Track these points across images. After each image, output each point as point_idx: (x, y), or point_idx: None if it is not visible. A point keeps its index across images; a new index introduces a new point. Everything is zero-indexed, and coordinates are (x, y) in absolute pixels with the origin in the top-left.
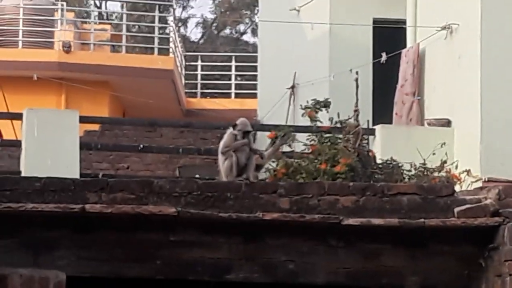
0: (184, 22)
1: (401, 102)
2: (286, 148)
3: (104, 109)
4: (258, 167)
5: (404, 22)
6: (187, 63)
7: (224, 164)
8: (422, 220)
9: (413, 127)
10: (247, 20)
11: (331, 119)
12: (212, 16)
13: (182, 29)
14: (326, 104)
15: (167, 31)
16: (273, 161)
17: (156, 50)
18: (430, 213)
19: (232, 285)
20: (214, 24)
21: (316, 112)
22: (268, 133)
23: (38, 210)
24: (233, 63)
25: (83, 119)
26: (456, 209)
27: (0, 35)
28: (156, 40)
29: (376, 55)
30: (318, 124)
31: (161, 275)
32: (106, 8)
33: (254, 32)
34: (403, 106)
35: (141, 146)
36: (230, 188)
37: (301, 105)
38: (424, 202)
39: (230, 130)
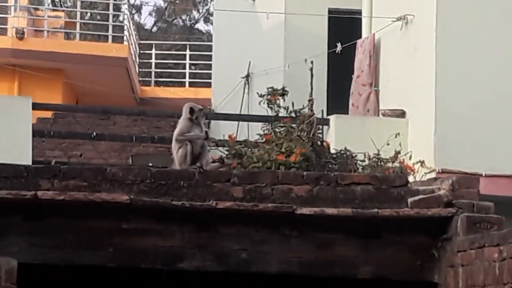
0: (138, 9)
1: (357, 93)
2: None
3: (58, 97)
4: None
5: (359, 12)
6: (141, 51)
7: (178, 152)
8: (376, 210)
9: (368, 117)
10: (199, 9)
11: (286, 108)
12: (165, 4)
13: (136, 17)
14: (283, 93)
15: (121, 18)
16: (227, 150)
17: (110, 38)
18: (383, 203)
19: (185, 274)
20: (168, 12)
21: (275, 100)
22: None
23: None
24: (187, 52)
25: (36, 106)
26: (410, 200)
27: None
28: (110, 28)
29: (331, 45)
30: (275, 112)
31: (113, 263)
32: None
33: (207, 21)
34: (359, 97)
35: (94, 133)
36: (183, 176)
37: (257, 93)
38: (378, 192)
39: (182, 118)
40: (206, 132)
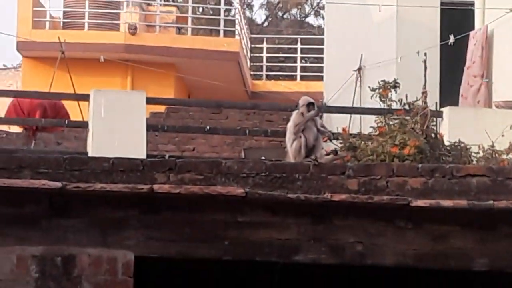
0: (249, 4)
1: (467, 84)
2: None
3: (170, 91)
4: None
5: (472, 4)
6: (252, 46)
7: (293, 146)
8: (491, 202)
9: (481, 109)
10: (311, 2)
11: (399, 101)
12: None
13: (247, 12)
14: (395, 85)
15: (232, 13)
16: (340, 142)
17: (221, 32)
18: (499, 195)
19: (299, 266)
20: (279, 6)
21: (387, 94)
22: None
23: (107, 190)
24: (299, 46)
25: (149, 101)
26: None
27: (67, 17)
28: (221, 22)
29: (443, 37)
30: (387, 105)
31: (229, 256)
32: None
33: (317, 15)
34: (469, 88)
35: (207, 127)
36: (298, 169)
37: (369, 87)
38: (494, 184)
39: (296, 111)
40: (331, 132)
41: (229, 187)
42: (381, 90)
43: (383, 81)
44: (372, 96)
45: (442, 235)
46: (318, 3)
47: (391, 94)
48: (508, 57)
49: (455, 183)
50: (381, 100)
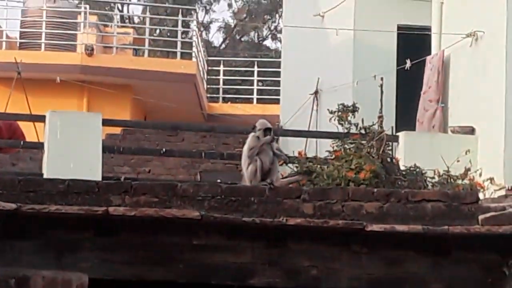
0: (206, 26)
1: (423, 109)
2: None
3: (126, 113)
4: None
5: (429, 29)
6: (209, 68)
7: (248, 169)
8: (446, 227)
9: (437, 134)
10: (268, 26)
11: (356, 125)
12: (234, 22)
13: (204, 34)
14: (354, 109)
15: (189, 35)
16: (296, 166)
17: (178, 54)
18: (454, 220)
19: None
20: (237, 29)
21: (346, 117)
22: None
23: (62, 212)
24: (255, 68)
25: (105, 122)
26: (480, 217)
27: (24, 37)
28: (179, 44)
29: (400, 61)
30: (346, 128)
31: (184, 279)
32: (128, 11)
33: (275, 38)
34: (425, 112)
35: (163, 150)
36: (254, 192)
37: (328, 109)
38: (448, 209)
39: (252, 134)
40: (287, 155)
41: (185, 210)
42: (340, 113)
43: (342, 104)
44: (330, 119)
45: (397, 260)
46: (275, 27)
47: (351, 118)
48: (464, 82)
49: (410, 208)
50: (339, 123)
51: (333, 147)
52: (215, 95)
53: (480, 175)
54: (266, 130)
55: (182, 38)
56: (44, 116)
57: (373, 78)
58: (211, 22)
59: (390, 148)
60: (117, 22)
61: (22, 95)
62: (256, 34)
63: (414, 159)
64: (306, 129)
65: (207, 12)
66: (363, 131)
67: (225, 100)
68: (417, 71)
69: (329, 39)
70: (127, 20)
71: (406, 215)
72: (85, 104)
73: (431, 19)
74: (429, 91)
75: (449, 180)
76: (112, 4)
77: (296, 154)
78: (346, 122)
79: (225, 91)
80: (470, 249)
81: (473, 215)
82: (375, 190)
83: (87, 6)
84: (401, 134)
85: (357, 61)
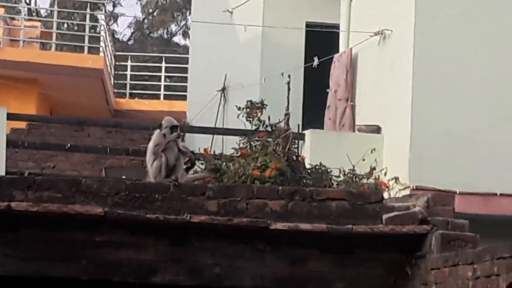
0: (115, 20)
1: (334, 107)
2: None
3: (32, 107)
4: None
5: (337, 26)
6: (117, 63)
7: (153, 165)
8: (350, 226)
9: (343, 133)
10: (177, 22)
11: (262, 122)
12: (143, 16)
13: (114, 27)
14: (262, 106)
15: (97, 30)
16: (202, 163)
17: (86, 49)
18: (358, 219)
19: None
20: (145, 24)
21: (256, 113)
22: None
23: None
24: (163, 64)
25: (10, 116)
26: (384, 216)
27: None
28: (86, 39)
29: (308, 59)
30: (255, 125)
31: (86, 276)
32: (36, 5)
33: (185, 35)
34: (335, 111)
35: (68, 145)
36: (158, 189)
37: (236, 106)
38: (353, 208)
39: (157, 131)
40: (193, 152)
41: (88, 206)
42: (248, 109)
43: (250, 101)
44: (238, 116)
45: (301, 258)
46: (185, 23)
47: (259, 115)
48: (371, 81)
49: (314, 206)
50: (247, 119)
51: (239, 145)
52: (122, 91)
53: (385, 174)
54: (173, 128)
55: (90, 32)
56: None
57: (281, 76)
58: (118, 16)
59: (296, 146)
60: (25, 15)
61: None
62: (166, 30)
63: (320, 157)
64: (213, 126)
65: (115, 6)
66: (269, 129)
67: (132, 96)
68: (325, 69)
69: (238, 35)
70: (34, 14)
71: (310, 213)
72: None
73: (339, 16)
74: (339, 89)
75: (354, 179)
76: None
77: (202, 151)
78: (255, 119)
79: (133, 87)
80: (374, 248)
81: (377, 214)
82: (280, 188)
83: None
84: (307, 132)
85: (265, 58)
